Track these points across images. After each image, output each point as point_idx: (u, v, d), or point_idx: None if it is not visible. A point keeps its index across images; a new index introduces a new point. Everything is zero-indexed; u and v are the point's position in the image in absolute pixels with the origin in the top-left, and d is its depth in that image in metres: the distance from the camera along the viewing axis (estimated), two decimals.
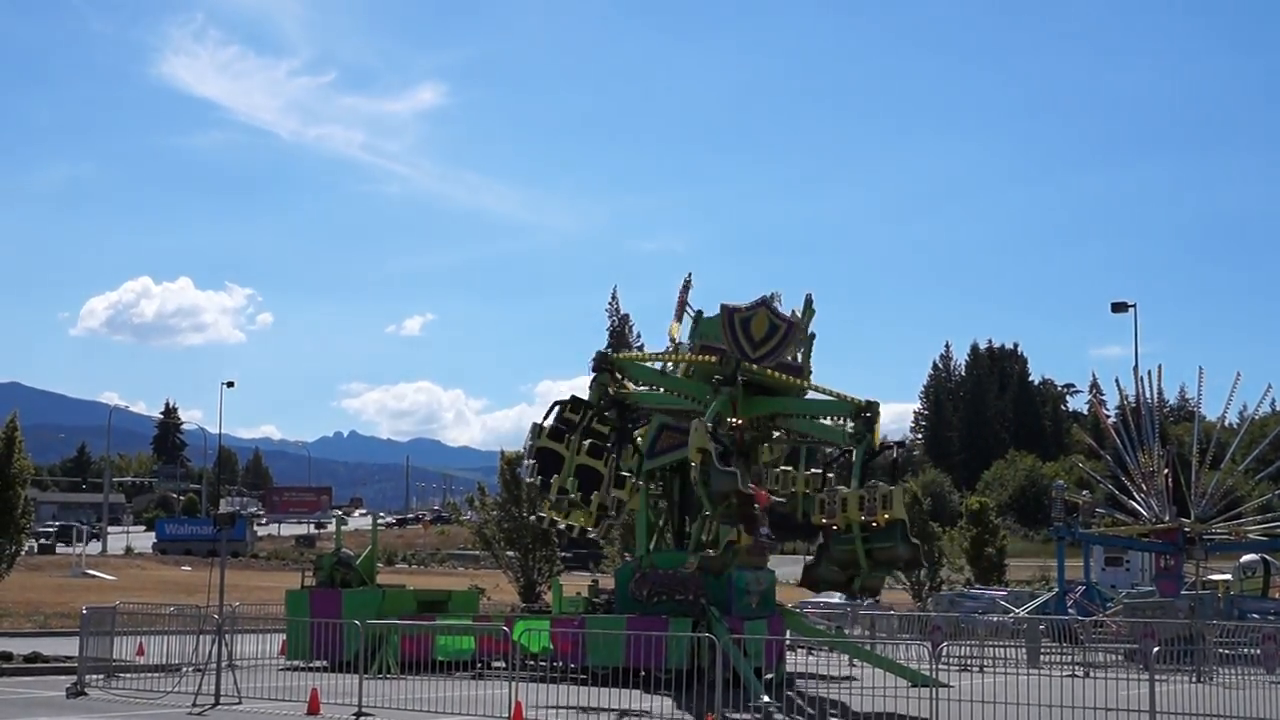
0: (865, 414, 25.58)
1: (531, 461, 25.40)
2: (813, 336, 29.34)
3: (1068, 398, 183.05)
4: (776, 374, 26.69)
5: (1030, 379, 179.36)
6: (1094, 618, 37.88)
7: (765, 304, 26.53)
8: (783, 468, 29.73)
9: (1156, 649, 24.61)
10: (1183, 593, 41.83)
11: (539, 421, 26.28)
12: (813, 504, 26.13)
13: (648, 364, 29.07)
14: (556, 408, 27.27)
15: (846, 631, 38.07)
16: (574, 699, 21.46)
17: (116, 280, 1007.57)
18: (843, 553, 24.49)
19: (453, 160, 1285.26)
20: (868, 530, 24.09)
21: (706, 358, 26.88)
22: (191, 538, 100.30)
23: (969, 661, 32.33)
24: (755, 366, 26.33)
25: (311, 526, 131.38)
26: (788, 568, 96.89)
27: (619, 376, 27.13)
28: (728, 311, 26.35)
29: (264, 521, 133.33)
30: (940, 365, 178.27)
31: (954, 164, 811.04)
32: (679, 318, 29.16)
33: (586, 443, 26.34)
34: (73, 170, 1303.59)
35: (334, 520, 57.00)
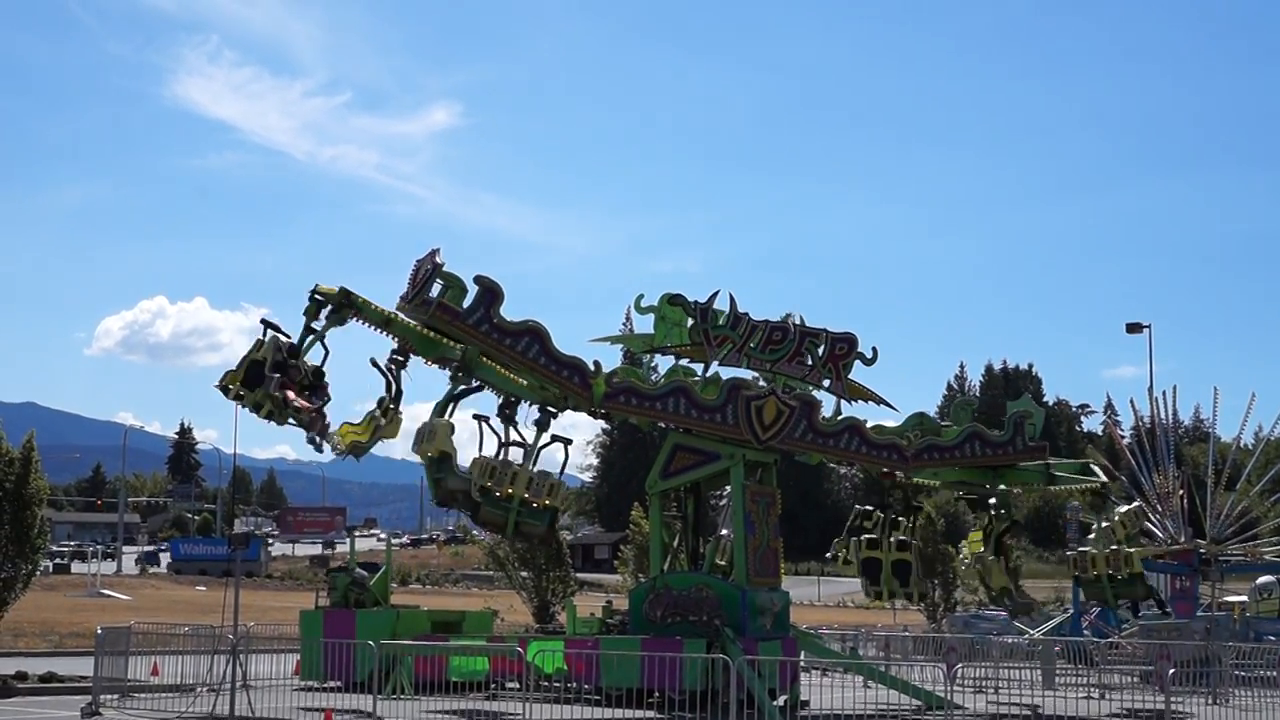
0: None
1: (233, 372, 26.71)
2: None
3: (1082, 418, 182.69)
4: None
5: (1045, 399, 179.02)
6: (1109, 639, 37.74)
7: (432, 253, 27.52)
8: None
9: (1172, 670, 24.53)
10: (1198, 614, 41.66)
11: (261, 339, 27.15)
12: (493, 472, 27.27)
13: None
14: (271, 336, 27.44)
15: (861, 653, 37.95)
16: None
17: (132, 300, 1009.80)
18: (494, 514, 27.06)
19: (467, 181, 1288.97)
20: (525, 505, 26.87)
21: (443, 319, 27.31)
22: (206, 558, 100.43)
23: (984, 683, 32.22)
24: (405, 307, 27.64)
25: (323, 547, 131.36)
26: (803, 589, 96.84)
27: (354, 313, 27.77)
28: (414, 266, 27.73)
29: (275, 541, 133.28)
30: (955, 385, 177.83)
31: (968, 183, 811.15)
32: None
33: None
34: (88, 191, 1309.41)
35: (348, 540, 56.99)
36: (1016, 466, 31.41)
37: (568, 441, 29.02)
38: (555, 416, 28.37)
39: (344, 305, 27.49)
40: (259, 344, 27.03)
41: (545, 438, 28.46)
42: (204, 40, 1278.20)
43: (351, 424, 28.46)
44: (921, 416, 32.43)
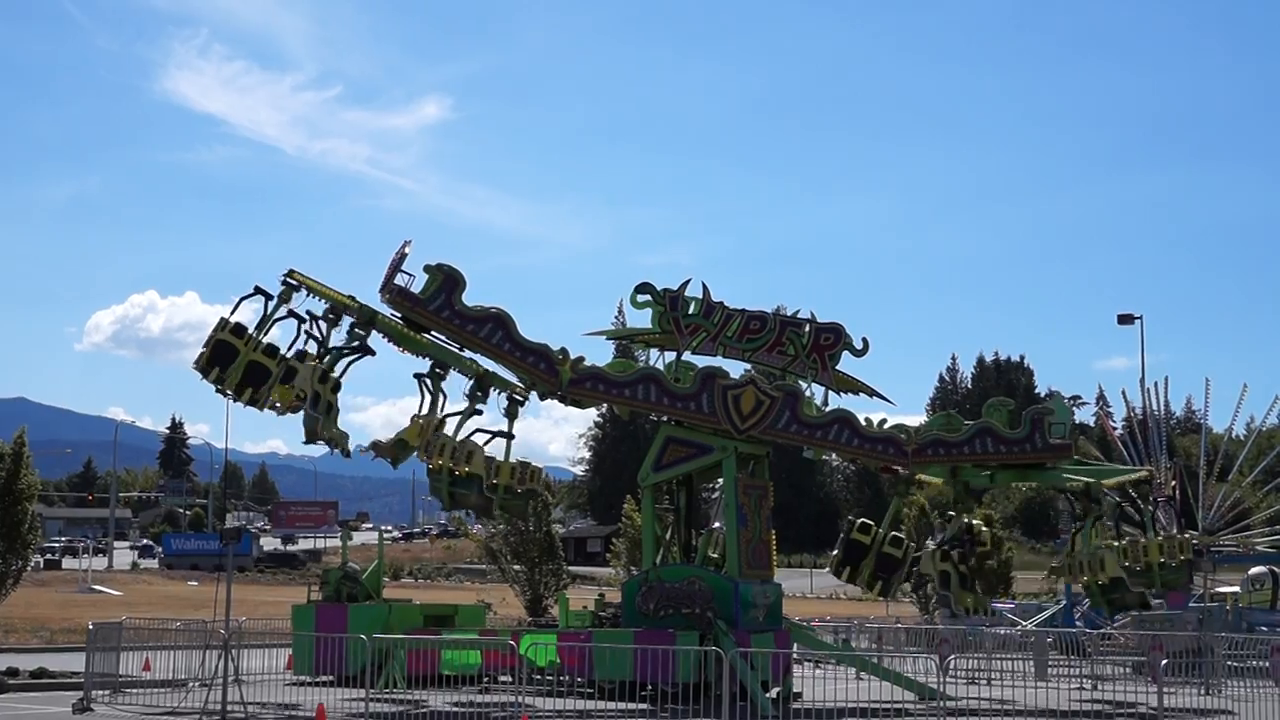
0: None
1: (204, 350, 27.62)
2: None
3: (1074, 410, 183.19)
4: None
5: (1036, 391, 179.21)
6: (1102, 630, 37.80)
7: (403, 244, 28.14)
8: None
9: (1164, 661, 24.57)
10: (1191, 605, 41.75)
11: (226, 316, 28.08)
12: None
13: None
14: (240, 302, 28.39)
15: (853, 644, 37.96)
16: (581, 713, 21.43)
17: (122, 294, 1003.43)
18: (434, 488, 28.21)
19: (458, 174, 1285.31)
20: (454, 477, 27.45)
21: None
22: (198, 552, 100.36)
23: (976, 674, 32.26)
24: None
25: (317, 541, 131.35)
26: (795, 581, 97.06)
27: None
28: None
29: (266, 533, 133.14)
30: (946, 377, 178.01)
31: (959, 175, 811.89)
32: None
33: (265, 341, 27.93)
34: (78, 185, 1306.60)
35: (340, 534, 56.98)
36: (1047, 466, 30.58)
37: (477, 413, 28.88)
38: (523, 403, 28.56)
39: (286, 284, 27.88)
40: (223, 323, 27.71)
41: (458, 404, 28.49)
42: (194, 34, 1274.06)
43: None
44: (949, 416, 32.29)
